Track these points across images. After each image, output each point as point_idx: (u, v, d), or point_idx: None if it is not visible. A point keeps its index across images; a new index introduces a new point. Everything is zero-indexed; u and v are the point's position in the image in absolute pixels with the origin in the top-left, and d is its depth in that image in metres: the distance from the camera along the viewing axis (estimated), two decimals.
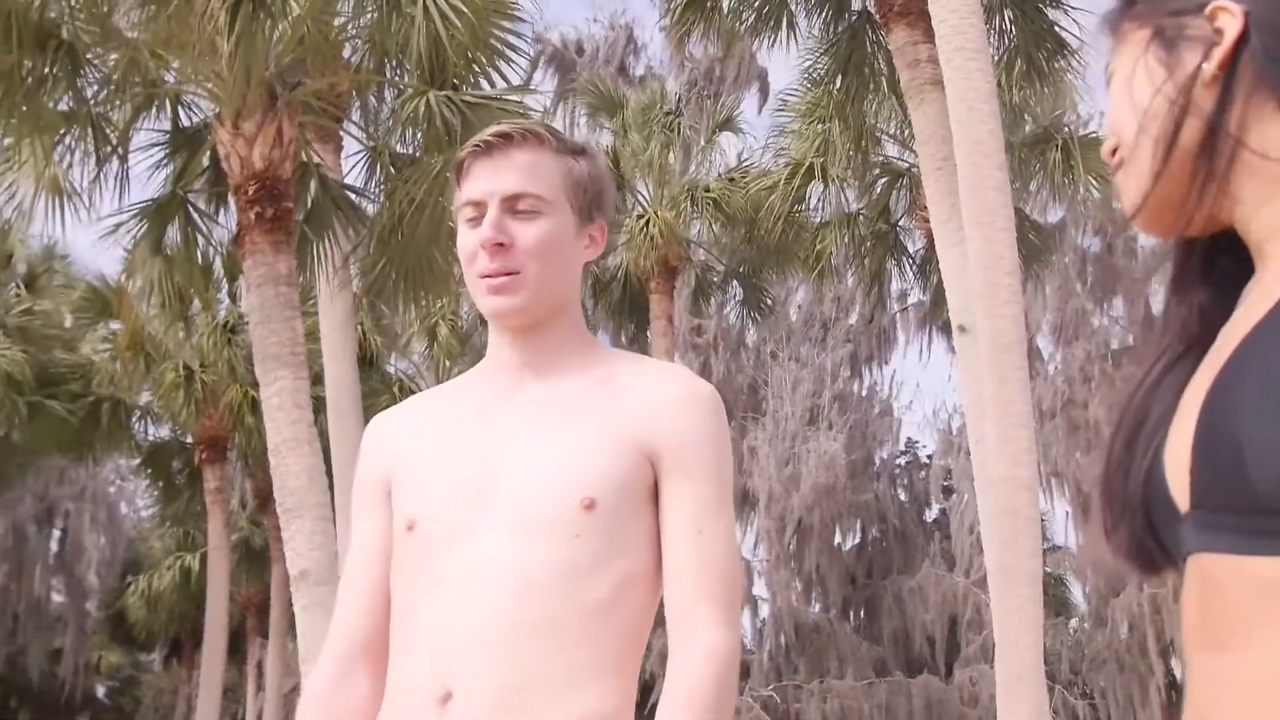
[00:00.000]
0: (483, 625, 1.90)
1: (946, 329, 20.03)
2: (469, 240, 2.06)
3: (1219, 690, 1.15)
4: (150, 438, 21.65)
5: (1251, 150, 1.25)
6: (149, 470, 22.18)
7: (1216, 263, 1.36)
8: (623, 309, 18.32)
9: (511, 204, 2.05)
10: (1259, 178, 1.25)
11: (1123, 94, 1.34)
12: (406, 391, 19.06)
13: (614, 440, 1.98)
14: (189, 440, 20.58)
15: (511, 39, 10.30)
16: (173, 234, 10.81)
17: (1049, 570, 25.12)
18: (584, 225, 2.12)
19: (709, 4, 14.54)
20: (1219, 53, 1.26)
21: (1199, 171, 1.27)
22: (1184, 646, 1.21)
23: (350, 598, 2.09)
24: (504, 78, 10.30)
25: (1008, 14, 13.90)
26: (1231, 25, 1.26)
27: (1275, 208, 1.25)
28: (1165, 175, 1.29)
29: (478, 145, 2.08)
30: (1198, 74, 1.27)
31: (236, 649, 26.72)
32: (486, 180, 2.06)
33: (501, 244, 2.02)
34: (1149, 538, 1.28)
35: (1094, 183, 15.75)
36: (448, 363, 19.25)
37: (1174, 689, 25.22)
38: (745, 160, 18.00)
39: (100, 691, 36.56)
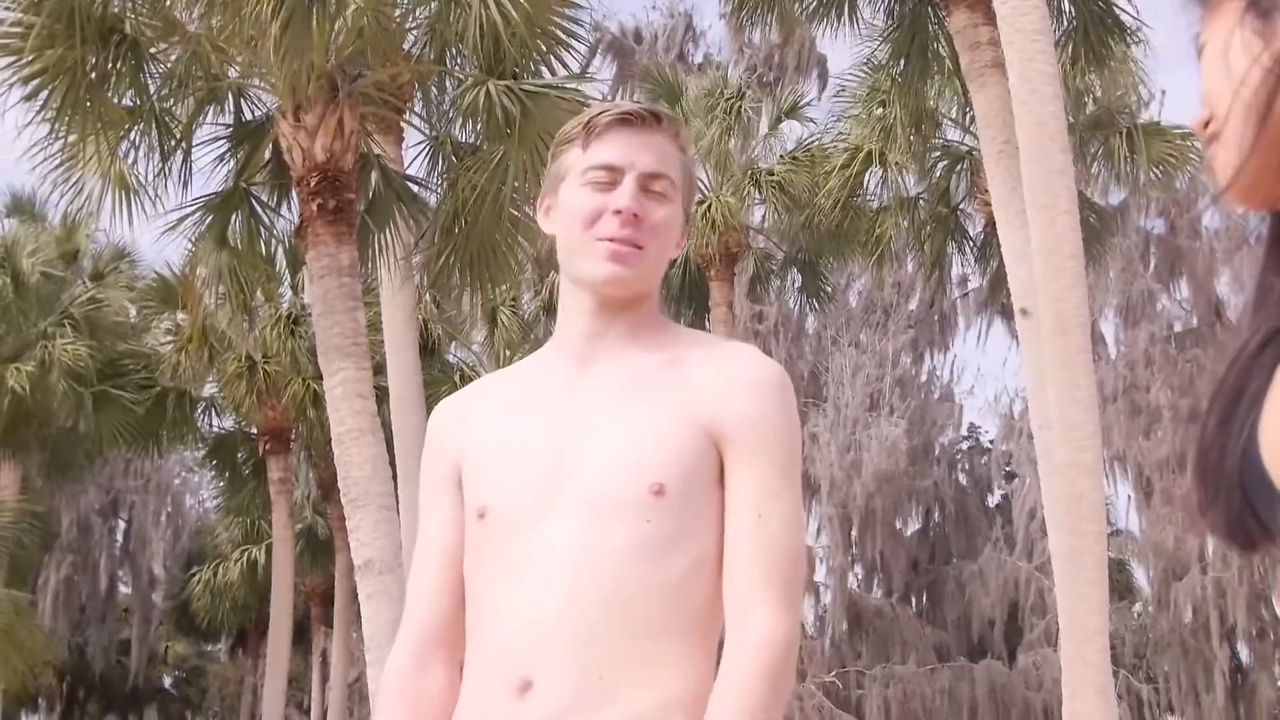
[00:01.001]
0: (558, 611, 1.89)
1: (1006, 313, 19.88)
2: (595, 202, 2.04)
3: None
4: (215, 429, 21.85)
5: None
6: (214, 461, 22.35)
7: None
8: (683, 296, 18.29)
9: (648, 182, 2.05)
10: None
11: (1216, 65, 1.31)
12: (468, 381, 19.11)
13: (682, 425, 1.96)
14: (253, 431, 20.76)
15: (570, 27, 10.31)
16: (236, 227, 10.89)
17: (1112, 554, 24.90)
18: (683, 224, 2.13)
19: None
20: None
21: None
22: None
23: (422, 588, 2.08)
24: (564, 65, 10.30)
25: None
26: None
27: None
28: (1261, 147, 1.26)
29: (625, 114, 2.07)
30: None
31: (301, 639, 26.95)
32: (628, 151, 2.05)
33: (638, 215, 2.02)
34: (1248, 516, 1.26)
35: (1155, 169, 15.60)
36: (508, 351, 19.31)
37: (1239, 673, 25.00)
38: (805, 141, 17.92)
39: (167, 681, 37.01)
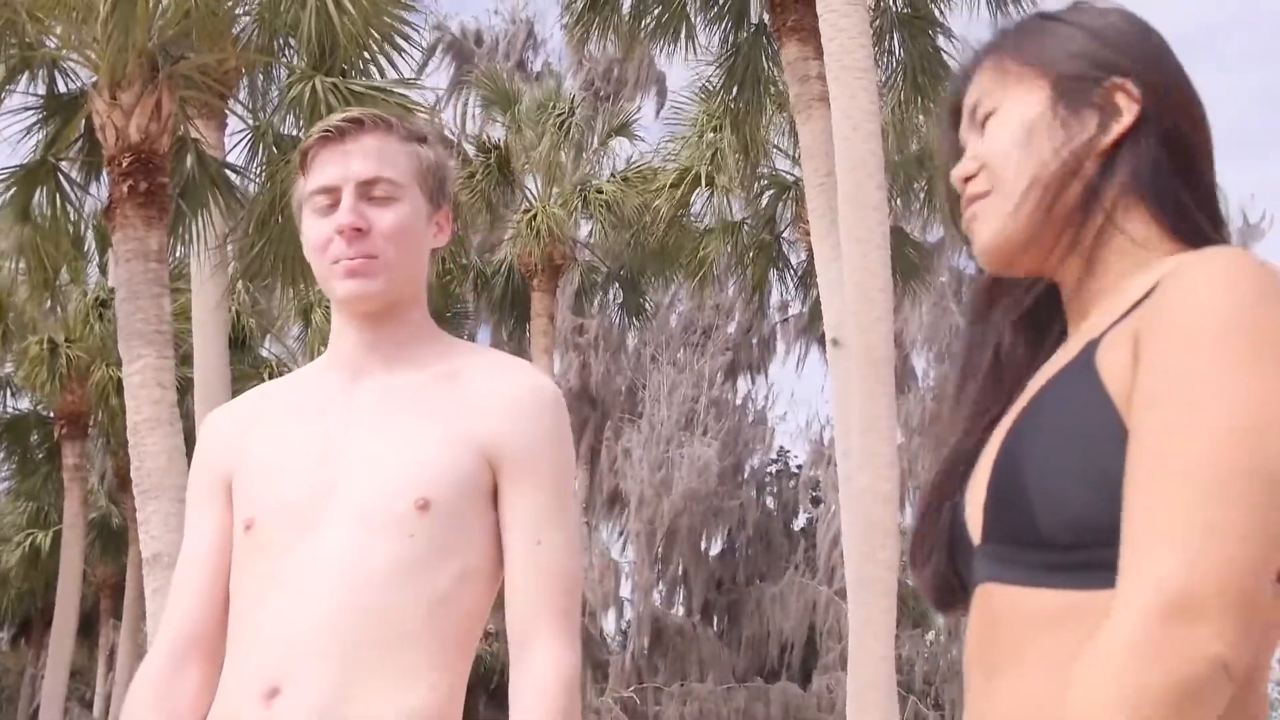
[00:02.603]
0: (316, 622, 1.88)
1: (824, 342, 20.25)
2: (322, 229, 2.02)
3: (991, 712, 1.24)
4: (10, 410, 21.12)
5: (1114, 225, 1.32)
6: (5, 442, 21.63)
7: (1041, 313, 1.44)
8: (504, 305, 18.24)
9: (366, 189, 2.02)
10: (1109, 248, 1.33)
11: (1013, 134, 1.38)
12: (278, 375, 18.77)
13: (452, 441, 1.96)
14: (50, 414, 20.10)
15: (404, 29, 10.22)
16: (42, 202, 10.55)
17: (910, 583, 25.49)
18: (433, 212, 2.11)
19: (609, 6, 14.53)
20: (1114, 131, 1.33)
21: (1069, 229, 1.34)
22: (966, 668, 1.29)
23: (185, 591, 2.06)
24: (394, 67, 10.22)
25: (897, 36, 14.07)
26: (1127, 114, 1.34)
27: (1113, 277, 1.33)
28: (1035, 223, 1.35)
29: (327, 132, 2.05)
30: (1093, 143, 1.33)
31: (89, 631, 26.11)
32: (339, 167, 2.03)
33: (359, 229, 1.99)
34: (950, 572, 1.37)
35: None
36: (322, 348, 19.00)
37: None
38: (636, 163, 18.01)
39: None
